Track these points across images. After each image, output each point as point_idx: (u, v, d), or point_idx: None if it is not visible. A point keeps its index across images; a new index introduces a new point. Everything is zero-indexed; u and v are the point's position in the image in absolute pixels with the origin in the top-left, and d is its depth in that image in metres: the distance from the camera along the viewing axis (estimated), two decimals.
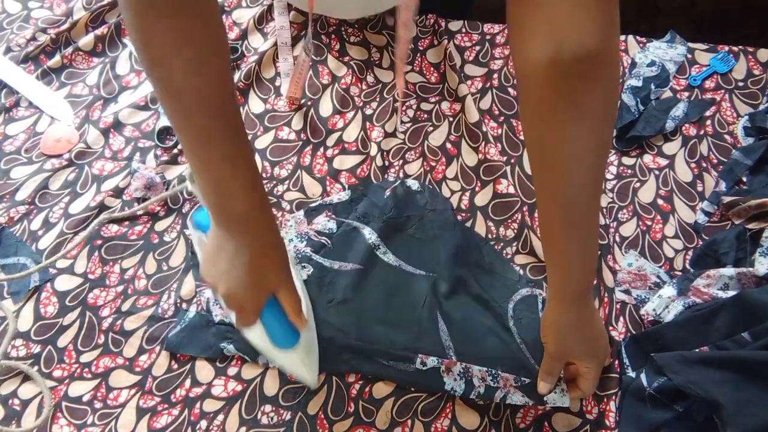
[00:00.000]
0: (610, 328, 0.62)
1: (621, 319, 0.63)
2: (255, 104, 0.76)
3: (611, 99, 0.42)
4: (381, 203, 0.69)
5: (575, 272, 0.52)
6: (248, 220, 0.50)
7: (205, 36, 0.44)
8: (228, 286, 0.50)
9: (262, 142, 0.74)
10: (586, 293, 0.55)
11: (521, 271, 0.66)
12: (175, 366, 0.62)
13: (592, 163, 0.44)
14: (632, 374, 0.60)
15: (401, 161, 0.72)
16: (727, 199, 0.67)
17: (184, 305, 0.64)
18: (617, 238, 0.67)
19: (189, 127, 0.47)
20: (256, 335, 0.57)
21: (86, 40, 0.79)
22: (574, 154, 0.43)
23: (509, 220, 0.68)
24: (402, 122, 0.74)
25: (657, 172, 0.71)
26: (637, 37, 0.80)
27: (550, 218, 0.50)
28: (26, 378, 0.61)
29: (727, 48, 0.78)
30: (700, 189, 0.70)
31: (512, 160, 0.72)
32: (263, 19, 0.81)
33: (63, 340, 0.63)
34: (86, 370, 0.61)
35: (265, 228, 0.52)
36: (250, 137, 0.73)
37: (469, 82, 0.76)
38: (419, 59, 0.79)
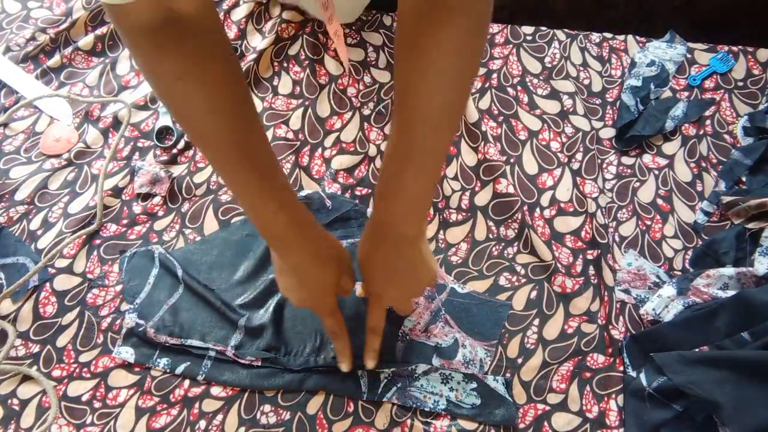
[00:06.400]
0: (611, 327, 0.62)
1: (621, 318, 0.63)
2: None
3: (468, 41, 0.42)
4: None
5: (413, 207, 0.50)
6: (287, 240, 0.51)
7: (211, 65, 0.41)
8: (299, 298, 0.55)
9: None
10: (420, 233, 0.53)
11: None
12: None
13: (445, 101, 0.44)
14: (632, 374, 0.60)
15: None
16: (726, 198, 0.67)
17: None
18: (617, 238, 0.67)
19: (206, 155, 0.48)
20: None
21: (86, 40, 0.79)
22: (428, 85, 0.43)
23: (509, 220, 0.68)
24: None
25: (656, 172, 0.71)
26: (637, 37, 0.80)
27: (399, 145, 0.47)
28: (25, 378, 0.61)
29: (726, 48, 0.78)
30: (699, 189, 0.70)
31: (512, 160, 0.72)
32: (261, 18, 0.81)
33: (62, 340, 0.63)
34: (85, 369, 0.61)
35: (310, 241, 0.52)
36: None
37: None
38: None
